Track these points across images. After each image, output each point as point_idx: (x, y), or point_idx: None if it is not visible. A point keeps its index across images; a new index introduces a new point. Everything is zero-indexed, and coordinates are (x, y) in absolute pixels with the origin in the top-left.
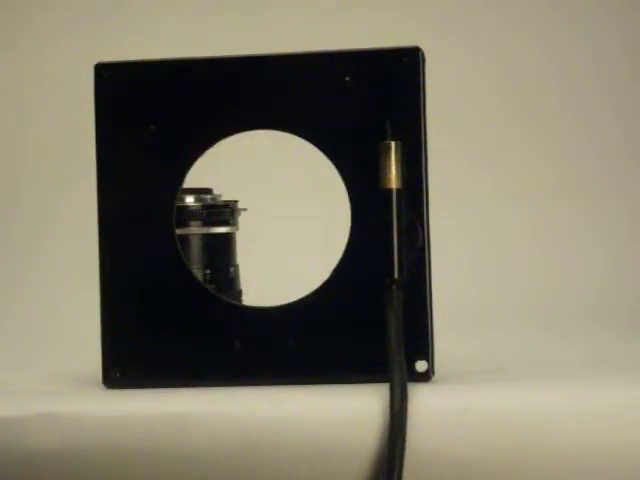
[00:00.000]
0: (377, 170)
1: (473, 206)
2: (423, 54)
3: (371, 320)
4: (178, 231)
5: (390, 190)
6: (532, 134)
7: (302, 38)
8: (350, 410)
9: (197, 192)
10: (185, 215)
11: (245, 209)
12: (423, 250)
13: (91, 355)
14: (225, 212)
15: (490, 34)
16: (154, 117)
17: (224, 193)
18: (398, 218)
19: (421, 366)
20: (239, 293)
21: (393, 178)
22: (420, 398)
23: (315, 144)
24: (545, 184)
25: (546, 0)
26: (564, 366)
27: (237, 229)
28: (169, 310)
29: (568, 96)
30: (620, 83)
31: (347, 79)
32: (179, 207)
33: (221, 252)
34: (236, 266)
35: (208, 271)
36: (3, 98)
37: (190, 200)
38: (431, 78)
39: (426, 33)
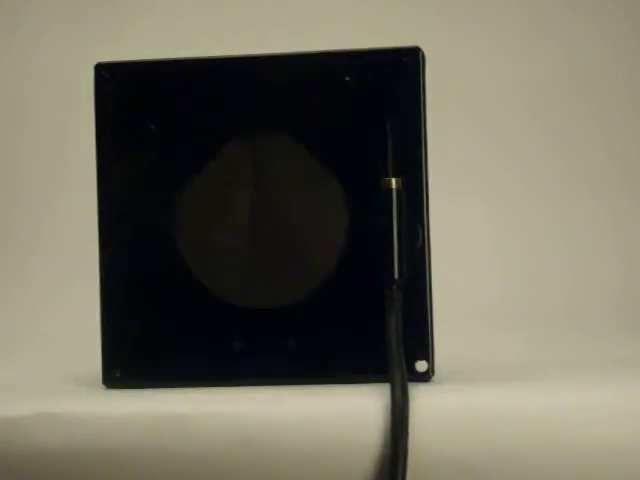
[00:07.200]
0: (377, 170)
1: (473, 206)
2: (423, 54)
3: (371, 320)
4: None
5: (390, 190)
6: (532, 135)
7: (302, 38)
8: (350, 410)
9: None
10: None
11: None
12: (423, 250)
13: (91, 355)
14: None
15: (490, 34)
16: (154, 117)
17: None
18: (398, 218)
19: (421, 366)
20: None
21: (393, 178)
22: (420, 398)
23: (315, 144)
24: (545, 184)
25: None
26: (564, 366)
27: None
28: (169, 310)
29: (573, 94)
30: (636, 78)
31: (347, 79)
32: None
33: None
34: None
35: None
36: (3, 98)
37: None
38: (431, 78)
39: (426, 33)
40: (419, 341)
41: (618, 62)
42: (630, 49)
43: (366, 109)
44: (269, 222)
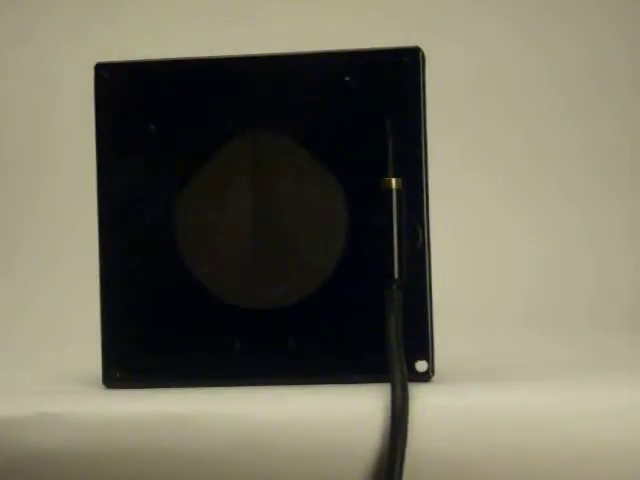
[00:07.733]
0: (377, 170)
1: (473, 206)
2: (423, 54)
3: (371, 320)
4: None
5: (390, 190)
6: (531, 134)
7: (302, 38)
8: (350, 410)
9: None
10: None
11: None
12: (423, 250)
13: (91, 355)
14: None
15: (490, 34)
16: (154, 117)
17: None
18: (398, 218)
19: (421, 366)
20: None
21: (393, 178)
22: (420, 398)
23: (315, 144)
24: (545, 184)
25: (546, 0)
26: (564, 366)
27: None
28: (169, 310)
29: (567, 97)
30: (621, 83)
31: (347, 79)
32: None
33: None
34: None
35: None
36: (4, 98)
37: None
38: (431, 78)
39: (426, 33)
40: (419, 341)
41: (597, 63)
42: (612, 55)
43: (366, 109)
44: (269, 222)
